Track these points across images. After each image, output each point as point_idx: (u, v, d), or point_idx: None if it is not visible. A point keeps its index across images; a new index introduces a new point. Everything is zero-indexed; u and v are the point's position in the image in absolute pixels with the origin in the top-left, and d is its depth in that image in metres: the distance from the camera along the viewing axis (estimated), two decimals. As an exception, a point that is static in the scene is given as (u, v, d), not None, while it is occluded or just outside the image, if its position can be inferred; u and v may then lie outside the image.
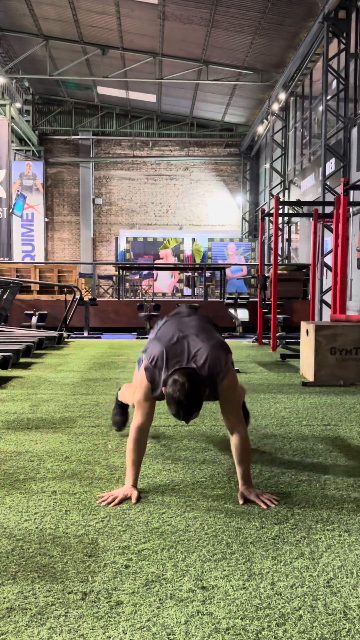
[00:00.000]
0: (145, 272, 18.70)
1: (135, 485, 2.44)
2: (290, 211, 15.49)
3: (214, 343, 2.44)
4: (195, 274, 17.37)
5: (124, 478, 2.62)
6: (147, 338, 10.86)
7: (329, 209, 11.10)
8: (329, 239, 11.61)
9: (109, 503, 2.33)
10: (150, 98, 20.81)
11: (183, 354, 2.39)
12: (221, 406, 2.49)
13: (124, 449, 3.09)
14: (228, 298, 11.48)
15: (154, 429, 3.54)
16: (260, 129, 19.77)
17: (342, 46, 12.02)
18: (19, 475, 2.68)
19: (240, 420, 2.47)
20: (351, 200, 9.37)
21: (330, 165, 12.30)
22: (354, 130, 11.49)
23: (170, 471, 2.74)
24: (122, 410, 3.35)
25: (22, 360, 6.67)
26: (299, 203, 10.21)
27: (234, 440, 2.44)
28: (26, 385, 5.16)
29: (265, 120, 19.00)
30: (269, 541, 2.00)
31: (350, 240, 10.92)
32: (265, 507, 2.30)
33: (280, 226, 17.15)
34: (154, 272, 18.56)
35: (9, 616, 1.55)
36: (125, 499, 2.37)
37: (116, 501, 2.34)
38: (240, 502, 2.34)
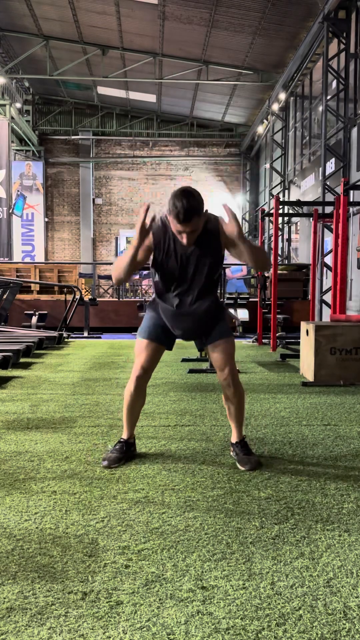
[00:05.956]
0: (145, 272, 18.69)
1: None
2: (290, 211, 15.49)
3: None
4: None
5: (124, 478, 2.63)
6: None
7: (329, 209, 11.09)
8: (329, 239, 11.61)
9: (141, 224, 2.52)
10: (150, 98, 20.81)
11: None
12: (229, 243, 2.67)
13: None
14: (228, 298, 11.49)
15: (154, 429, 3.54)
16: (260, 129, 19.76)
17: (342, 46, 12.02)
18: (19, 475, 2.68)
19: (250, 243, 2.71)
20: (351, 200, 9.37)
21: (330, 165, 12.29)
22: (354, 130, 11.49)
23: (170, 471, 2.74)
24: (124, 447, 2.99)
25: (22, 360, 6.67)
26: (299, 203, 10.21)
27: (249, 258, 2.66)
28: (26, 385, 5.16)
29: (265, 121, 19.00)
30: (269, 541, 2.00)
31: (350, 240, 10.92)
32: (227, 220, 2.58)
33: (280, 226, 17.15)
34: (154, 272, 18.52)
35: (9, 616, 1.55)
36: (145, 216, 2.52)
37: (142, 221, 2.52)
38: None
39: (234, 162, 23.27)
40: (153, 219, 2.61)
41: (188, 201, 2.48)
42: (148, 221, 2.54)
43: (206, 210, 2.66)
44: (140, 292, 17.53)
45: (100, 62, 17.15)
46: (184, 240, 2.56)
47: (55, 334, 8.80)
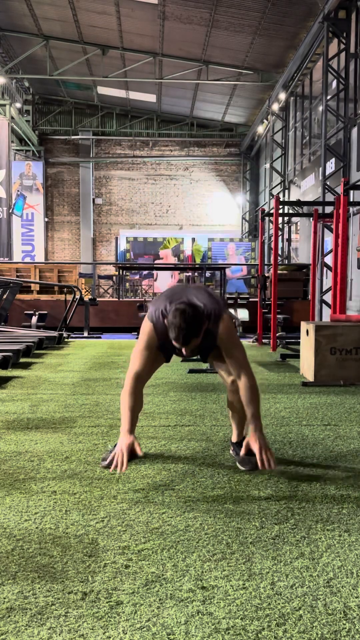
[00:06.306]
0: (145, 272, 18.70)
1: (132, 432, 2.48)
2: (290, 211, 15.49)
3: (214, 298, 2.63)
4: (195, 274, 17.37)
5: (124, 478, 2.63)
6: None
7: (329, 209, 11.09)
8: (329, 239, 11.61)
9: (117, 466, 2.42)
10: (150, 98, 20.81)
11: (183, 298, 2.55)
12: (223, 351, 2.58)
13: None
14: (228, 298, 11.48)
15: (154, 429, 3.54)
16: (260, 129, 19.76)
17: (342, 46, 12.02)
18: (19, 475, 2.68)
19: (245, 364, 2.54)
20: (351, 200, 9.37)
21: (330, 165, 12.29)
22: (354, 130, 11.49)
23: (170, 471, 2.74)
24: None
25: (22, 360, 6.67)
26: (299, 203, 10.21)
27: (241, 384, 2.50)
28: (26, 385, 5.16)
29: (265, 120, 19.00)
30: (269, 541, 2.00)
31: (350, 240, 10.92)
32: (260, 467, 2.39)
33: (280, 226, 17.15)
34: (154, 272, 18.56)
35: (9, 616, 1.55)
36: (130, 450, 2.44)
37: (125, 461, 2.42)
38: (242, 452, 2.40)
39: (234, 162, 23.27)
40: (154, 314, 2.56)
41: (187, 325, 2.36)
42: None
43: (204, 314, 2.50)
44: (141, 292, 17.53)
45: (100, 62, 17.15)
46: (184, 353, 2.51)
47: (55, 334, 8.80)
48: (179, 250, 20.15)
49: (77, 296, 10.20)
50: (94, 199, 23.10)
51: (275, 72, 16.40)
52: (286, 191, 17.65)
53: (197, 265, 17.35)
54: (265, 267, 12.85)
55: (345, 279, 7.40)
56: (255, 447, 2.40)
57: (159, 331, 2.54)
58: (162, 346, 2.60)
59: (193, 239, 20.30)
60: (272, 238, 8.71)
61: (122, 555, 1.90)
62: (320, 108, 13.28)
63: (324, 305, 10.20)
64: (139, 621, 1.53)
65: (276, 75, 16.45)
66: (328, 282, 10.86)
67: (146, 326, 2.58)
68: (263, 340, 9.02)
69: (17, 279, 12.06)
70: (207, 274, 15.16)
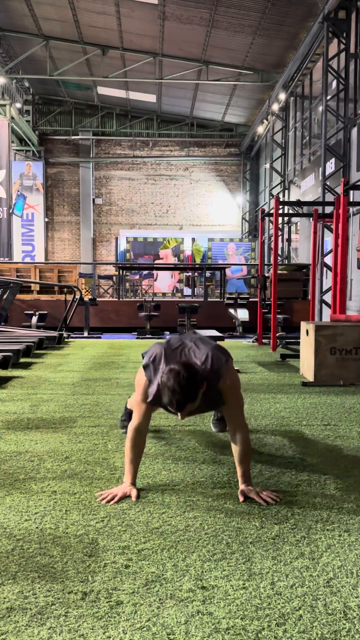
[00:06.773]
0: (145, 272, 18.70)
1: (134, 484, 2.46)
2: (290, 211, 15.49)
3: (215, 345, 2.53)
4: (195, 274, 17.37)
5: (124, 478, 2.63)
6: (147, 338, 10.82)
7: (329, 209, 11.09)
8: (329, 239, 11.61)
9: (108, 501, 2.36)
10: (150, 98, 20.81)
11: (183, 355, 2.44)
12: (223, 407, 2.51)
13: (124, 449, 3.09)
14: (228, 298, 11.48)
15: (153, 429, 3.54)
16: (260, 129, 19.76)
17: (342, 46, 12.02)
18: (19, 475, 2.68)
19: (242, 422, 2.50)
20: (351, 200, 9.37)
21: (330, 165, 12.29)
22: (354, 130, 11.49)
23: (170, 471, 2.75)
24: (130, 417, 3.28)
25: (22, 360, 6.67)
26: (299, 203, 10.21)
27: (235, 441, 2.47)
28: (26, 385, 5.16)
29: (265, 121, 19.00)
30: (269, 541, 2.00)
31: (350, 240, 10.92)
32: (265, 504, 2.32)
33: (280, 226, 17.15)
34: (154, 272, 18.57)
35: (9, 616, 1.55)
36: (125, 497, 2.40)
37: (116, 499, 2.36)
38: (241, 499, 2.37)
39: (234, 162, 23.27)
40: (153, 384, 2.43)
41: (182, 389, 2.21)
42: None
43: (202, 375, 2.33)
44: (141, 292, 17.53)
45: (100, 62, 17.15)
46: (179, 418, 2.36)
47: (55, 334, 8.80)
48: (179, 250, 20.15)
49: (77, 296, 10.20)
50: (94, 199, 23.10)
51: (275, 72, 16.40)
52: (286, 191, 17.65)
53: (197, 265, 17.36)
54: (265, 267, 12.85)
55: (345, 279, 7.40)
56: (252, 495, 2.38)
57: (155, 397, 2.45)
58: (156, 403, 2.51)
59: (193, 239, 20.30)
60: (272, 238, 8.71)
61: (122, 555, 1.90)
62: (320, 108, 13.28)
63: (324, 305, 10.20)
64: (139, 621, 1.53)
65: (276, 75, 16.45)
66: (328, 282, 10.86)
67: (142, 382, 2.48)
68: (263, 340, 9.02)
69: (17, 279, 12.06)
70: (207, 274, 15.15)
